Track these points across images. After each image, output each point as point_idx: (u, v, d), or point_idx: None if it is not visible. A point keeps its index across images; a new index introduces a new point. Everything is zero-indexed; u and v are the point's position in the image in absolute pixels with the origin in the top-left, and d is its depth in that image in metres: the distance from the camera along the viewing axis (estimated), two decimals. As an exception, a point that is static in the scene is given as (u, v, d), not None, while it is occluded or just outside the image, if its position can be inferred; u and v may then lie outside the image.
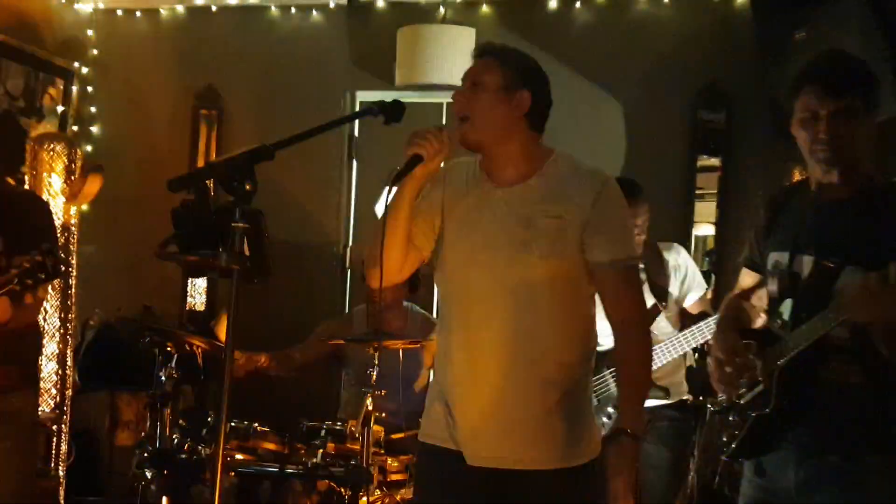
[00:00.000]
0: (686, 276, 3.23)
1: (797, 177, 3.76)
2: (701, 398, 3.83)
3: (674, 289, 3.21)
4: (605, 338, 3.21)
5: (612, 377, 3.18)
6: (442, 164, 2.07)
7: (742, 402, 2.10)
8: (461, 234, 2.05)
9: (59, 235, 3.75)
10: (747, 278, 2.28)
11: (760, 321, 2.23)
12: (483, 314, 1.98)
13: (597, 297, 2.09)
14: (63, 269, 2.39)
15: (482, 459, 2.01)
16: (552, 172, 2.03)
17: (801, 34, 3.57)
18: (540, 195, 2.00)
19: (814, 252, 2.00)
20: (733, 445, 2.09)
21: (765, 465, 2.09)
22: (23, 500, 2.61)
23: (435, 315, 3.83)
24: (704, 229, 4.40)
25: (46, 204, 2.94)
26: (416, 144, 1.95)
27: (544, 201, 1.99)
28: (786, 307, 2.03)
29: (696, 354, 3.54)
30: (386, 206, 1.97)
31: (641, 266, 3.20)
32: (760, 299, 2.22)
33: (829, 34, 3.46)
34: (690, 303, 3.25)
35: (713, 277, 4.14)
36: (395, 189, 2.00)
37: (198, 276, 3.96)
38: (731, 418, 2.13)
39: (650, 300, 3.15)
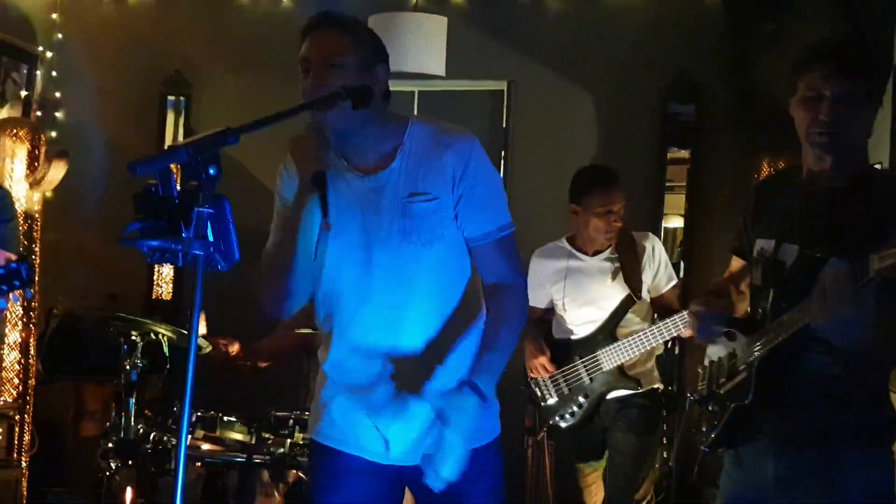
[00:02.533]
0: (659, 267, 3.23)
1: (766, 169, 3.79)
2: (671, 388, 3.86)
3: (647, 278, 3.21)
4: (578, 326, 3.24)
5: (584, 366, 3.18)
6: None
7: (722, 391, 2.05)
8: (336, 231, 1.89)
9: (22, 223, 3.70)
10: (735, 265, 2.18)
11: (742, 309, 2.16)
12: (371, 311, 1.89)
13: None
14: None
15: (386, 458, 1.94)
16: (414, 148, 1.88)
17: (772, 26, 3.59)
18: (408, 177, 1.87)
19: (799, 241, 1.91)
20: (713, 436, 2.04)
21: (743, 457, 2.02)
22: None
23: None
24: (674, 221, 4.42)
25: (5, 191, 2.88)
26: (313, 158, 1.82)
27: (414, 183, 1.86)
28: (768, 296, 1.96)
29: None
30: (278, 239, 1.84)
31: (615, 255, 3.20)
32: (748, 288, 2.14)
33: (800, 26, 3.49)
34: (661, 293, 3.26)
35: (682, 269, 4.16)
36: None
37: (161, 263, 3.91)
38: (710, 408, 2.06)
39: (623, 291, 3.16)
